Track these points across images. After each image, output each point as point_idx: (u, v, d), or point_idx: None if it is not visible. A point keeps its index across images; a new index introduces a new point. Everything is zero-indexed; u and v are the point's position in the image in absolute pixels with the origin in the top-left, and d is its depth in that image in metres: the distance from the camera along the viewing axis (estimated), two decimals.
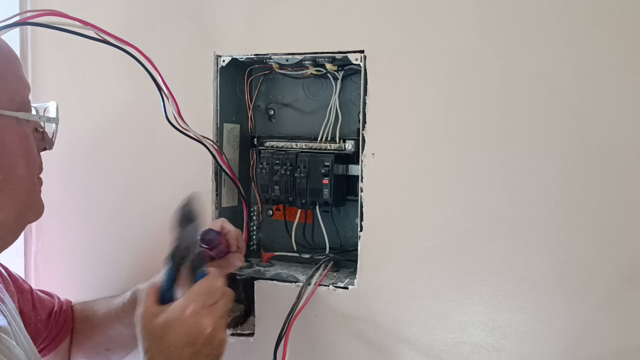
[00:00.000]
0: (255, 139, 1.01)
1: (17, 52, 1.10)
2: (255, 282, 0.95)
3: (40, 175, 0.75)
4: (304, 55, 0.90)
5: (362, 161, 0.86)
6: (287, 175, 0.95)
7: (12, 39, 1.09)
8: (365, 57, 0.85)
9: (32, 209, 0.73)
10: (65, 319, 0.92)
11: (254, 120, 1.04)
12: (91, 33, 0.79)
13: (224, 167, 0.95)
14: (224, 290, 0.73)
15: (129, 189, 1.02)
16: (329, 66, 0.93)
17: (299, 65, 0.94)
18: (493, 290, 0.80)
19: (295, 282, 0.91)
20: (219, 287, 0.73)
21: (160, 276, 0.75)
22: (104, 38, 0.80)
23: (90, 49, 1.04)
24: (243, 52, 0.93)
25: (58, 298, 0.94)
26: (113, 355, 0.92)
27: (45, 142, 0.76)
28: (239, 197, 1.02)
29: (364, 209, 0.86)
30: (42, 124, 0.75)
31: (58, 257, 1.09)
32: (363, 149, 0.86)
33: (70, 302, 0.96)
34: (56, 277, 1.10)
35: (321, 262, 0.94)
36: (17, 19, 0.74)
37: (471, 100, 0.80)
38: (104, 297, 0.95)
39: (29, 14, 0.74)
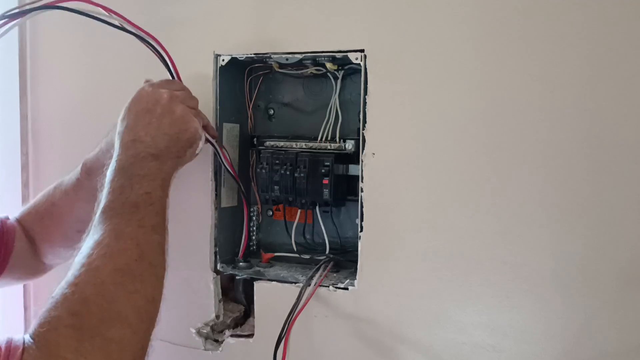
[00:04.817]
0: (255, 139, 1.01)
1: (16, 46, 1.10)
2: (254, 282, 0.94)
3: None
4: (304, 55, 0.90)
5: (362, 161, 0.86)
6: (287, 175, 0.95)
7: (10, 33, 1.09)
8: (365, 56, 0.85)
9: None
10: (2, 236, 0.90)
11: (254, 120, 1.04)
12: (113, 21, 0.80)
13: (225, 163, 0.94)
14: (184, 86, 0.84)
15: None
16: (329, 65, 0.92)
17: (299, 64, 0.94)
18: (493, 291, 0.80)
19: (295, 282, 0.91)
20: (180, 84, 0.85)
21: None
22: (124, 27, 0.81)
23: (91, 43, 1.04)
24: (243, 52, 0.93)
25: None
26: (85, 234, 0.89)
27: None
28: (239, 196, 1.01)
29: (364, 209, 0.86)
30: None
31: None
32: (363, 149, 0.86)
33: (8, 217, 0.95)
34: (56, 277, 1.09)
35: (321, 262, 0.94)
36: (40, 3, 0.74)
37: (471, 100, 0.80)
38: (51, 187, 0.95)
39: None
